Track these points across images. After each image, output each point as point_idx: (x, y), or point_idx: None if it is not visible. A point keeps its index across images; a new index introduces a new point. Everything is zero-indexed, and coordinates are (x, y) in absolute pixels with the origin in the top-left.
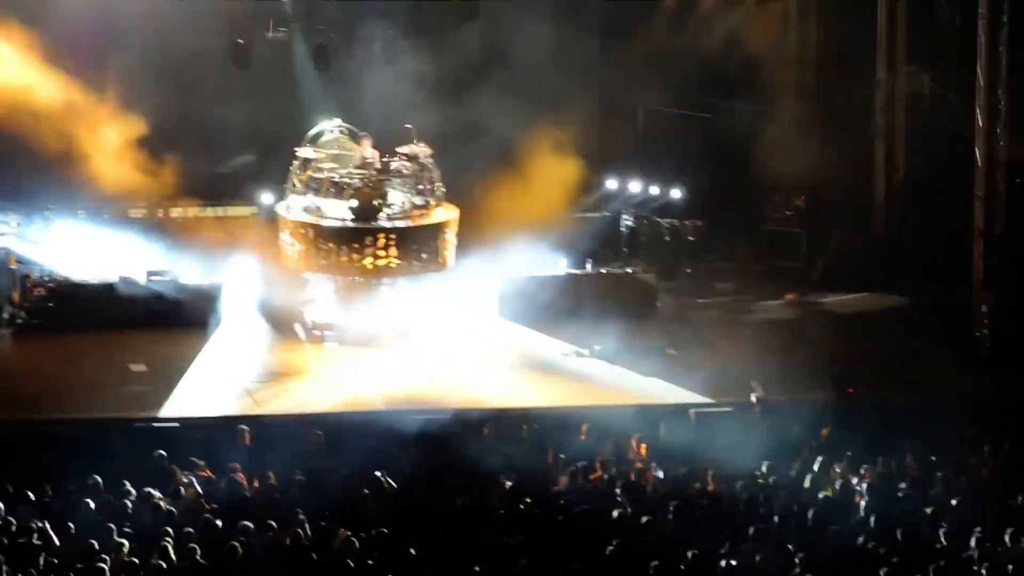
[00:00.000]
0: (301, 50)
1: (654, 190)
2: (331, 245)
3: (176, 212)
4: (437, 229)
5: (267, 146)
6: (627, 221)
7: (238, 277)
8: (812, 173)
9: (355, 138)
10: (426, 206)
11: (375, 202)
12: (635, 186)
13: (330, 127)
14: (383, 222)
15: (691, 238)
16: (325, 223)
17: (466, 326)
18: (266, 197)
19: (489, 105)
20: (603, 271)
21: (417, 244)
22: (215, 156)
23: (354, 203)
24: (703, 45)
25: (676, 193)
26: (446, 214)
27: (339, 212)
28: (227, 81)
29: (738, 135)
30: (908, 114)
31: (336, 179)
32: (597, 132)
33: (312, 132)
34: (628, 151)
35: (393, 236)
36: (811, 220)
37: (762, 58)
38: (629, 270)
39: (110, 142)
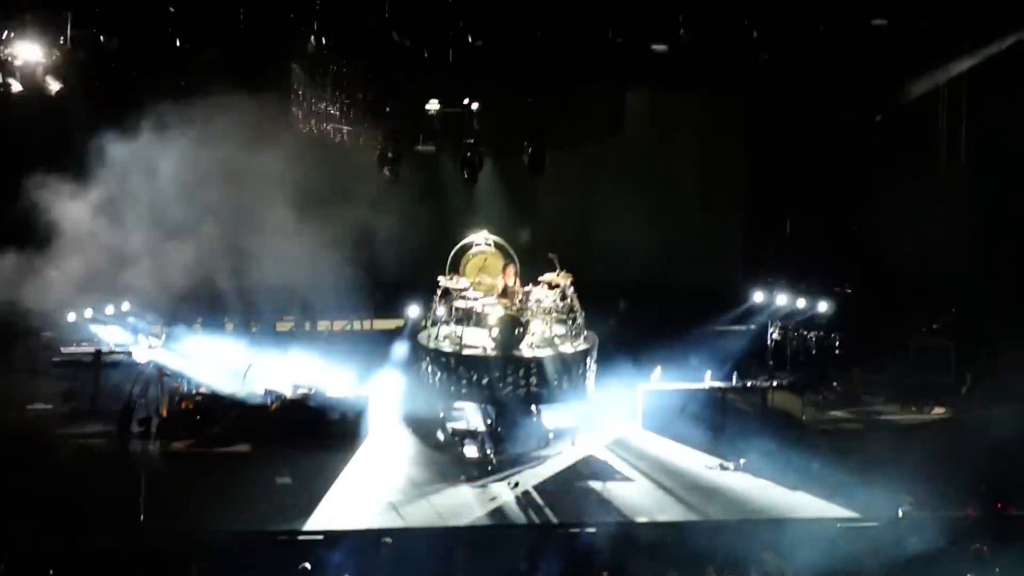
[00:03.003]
0: (448, 163)
1: (801, 302)
2: (472, 374)
3: (323, 325)
4: (579, 358)
5: (416, 258)
6: (773, 333)
7: (384, 390)
8: (962, 284)
9: (503, 252)
10: (567, 335)
11: (517, 332)
12: (782, 298)
13: (479, 240)
14: (524, 352)
15: (838, 351)
16: (466, 352)
17: (610, 438)
18: (412, 309)
19: (631, 219)
20: (749, 384)
21: (558, 373)
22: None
23: (495, 332)
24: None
25: (823, 305)
26: (587, 343)
27: (481, 341)
28: (377, 193)
29: (887, 246)
30: None
31: (478, 309)
32: (743, 244)
33: (461, 244)
34: (775, 263)
35: (534, 365)
36: (960, 333)
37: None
38: (775, 383)
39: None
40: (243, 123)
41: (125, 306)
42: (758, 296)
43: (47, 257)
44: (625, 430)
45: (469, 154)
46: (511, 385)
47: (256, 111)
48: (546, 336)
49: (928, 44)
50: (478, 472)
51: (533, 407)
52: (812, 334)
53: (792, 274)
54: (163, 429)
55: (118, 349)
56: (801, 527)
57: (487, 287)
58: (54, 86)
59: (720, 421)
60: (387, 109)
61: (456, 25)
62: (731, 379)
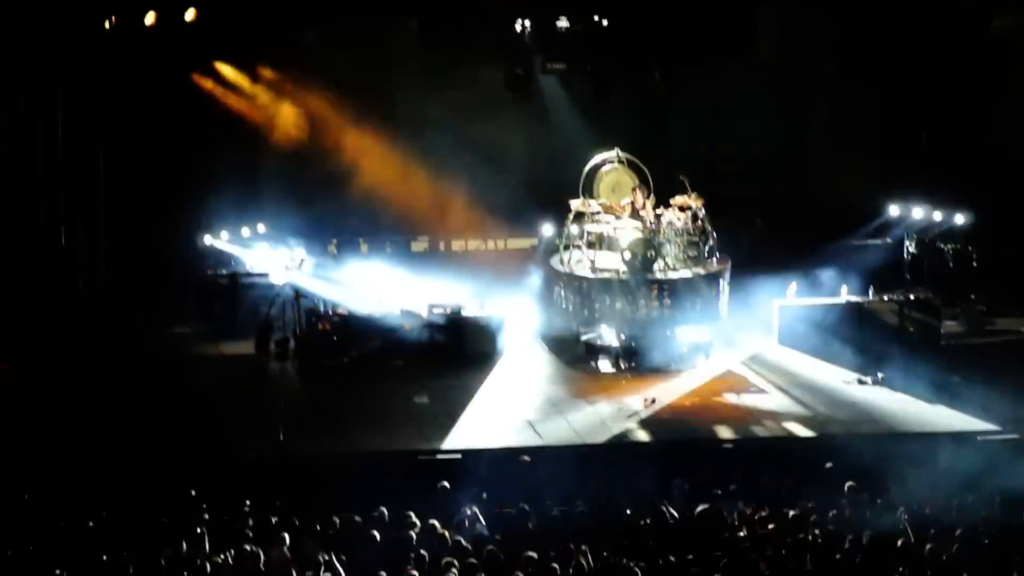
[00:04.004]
0: (580, 81)
1: (938, 215)
2: (605, 298)
3: (458, 244)
4: (712, 280)
5: (545, 177)
6: (910, 247)
7: (519, 309)
8: None
9: (635, 169)
10: (699, 257)
11: (649, 254)
12: (918, 212)
13: (611, 156)
14: (657, 274)
15: (975, 264)
16: (599, 276)
17: (746, 352)
18: (546, 228)
19: (767, 134)
20: (885, 298)
21: (691, 295)
22: (496, 188)
23: (628, 256)
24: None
25: (960, 218)
26: (719, 264)
27: (613, 264)
28: (507, 113)
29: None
30: None
31: (610, 232)
32: (879, 158)
33: (592, 163)
34: (910, 176)
35: (667, 288)
36: None
37: None
38: (912, 297)
39: (396, 174)
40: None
41: (261, 228)
42: (894, 209)
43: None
44: (761, 346)
45: (600, 71)
46: (645, 308)
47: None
48: (679, 258)
49: None
50: (613, 388)
51: (667, 329)
52: (949, 247)
53: (928, 186)
54: (301, 349)
55: (254, 271)
56: (940, 442)
57: (618, 208)
58: None
59: (858, 335)
60: (517, 27)
61: None
62: (868, 293)
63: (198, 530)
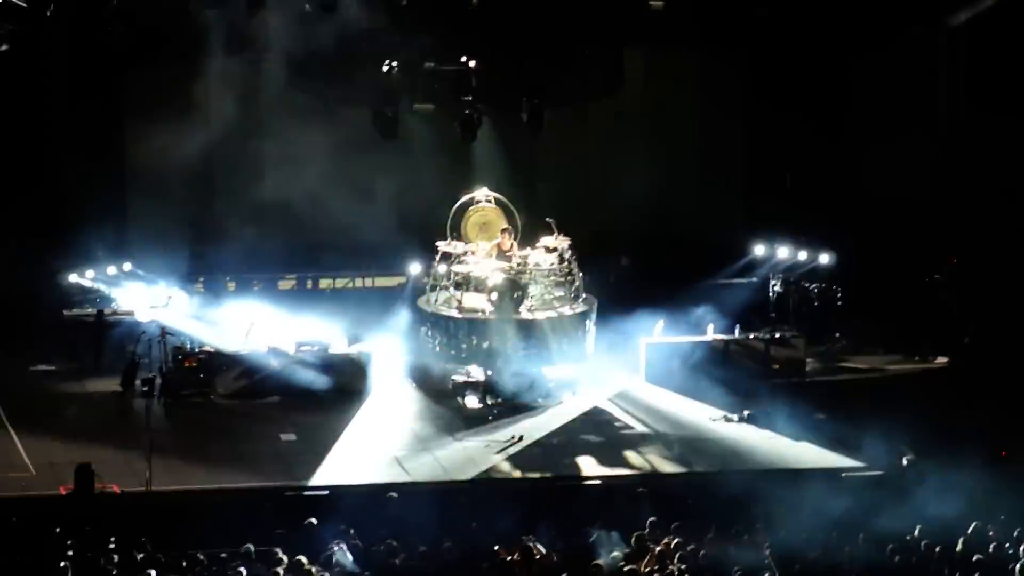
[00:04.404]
0: (447, 122)
1: (803, 255)
2: (472, 338)
3: (325, 282)
4: (578, 320)
5: (413, 217)
6: (775, 286)
7: (387, 346)
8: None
9: (503, 208)
10: (565, 297)
11: (516, 295)
12: (783, 251)
13: (479, 196)
14: (524, 314)
15: (840, 302)
16: (465, 316)
17: (612, 390)
18: (414, 267)
19: (634, 173)
20: (751, 336)
21: (558, 335)
22: (365, 226)
23: (494, 296)
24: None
25: (825, 258)
26: (585, 305)
27: (480, 304)
28: (374, 153)
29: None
30: None
31: (477, 273)
32: (743, 197)
33: (460, 201)
34: (775, 216)
35: (533, 328)
36: (962, 283)
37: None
38: (777, 335)
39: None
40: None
41: (127, 266)
42: (759, 249)
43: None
44: (628, 383)
45: (468, 112)
46: (511, 347)
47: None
48: (545, 299)
49: None
50: (479, 425)
51: (533, 367)
52: (814, 286)
53: (793, 226)
54: (166, 387)
55: (121, 309)
56: (805, 478)
57: (485, 249)
58: None
59: (722, 373)
60: (385, 68)
61: None
62: (733, 331)
63: (61, 565)
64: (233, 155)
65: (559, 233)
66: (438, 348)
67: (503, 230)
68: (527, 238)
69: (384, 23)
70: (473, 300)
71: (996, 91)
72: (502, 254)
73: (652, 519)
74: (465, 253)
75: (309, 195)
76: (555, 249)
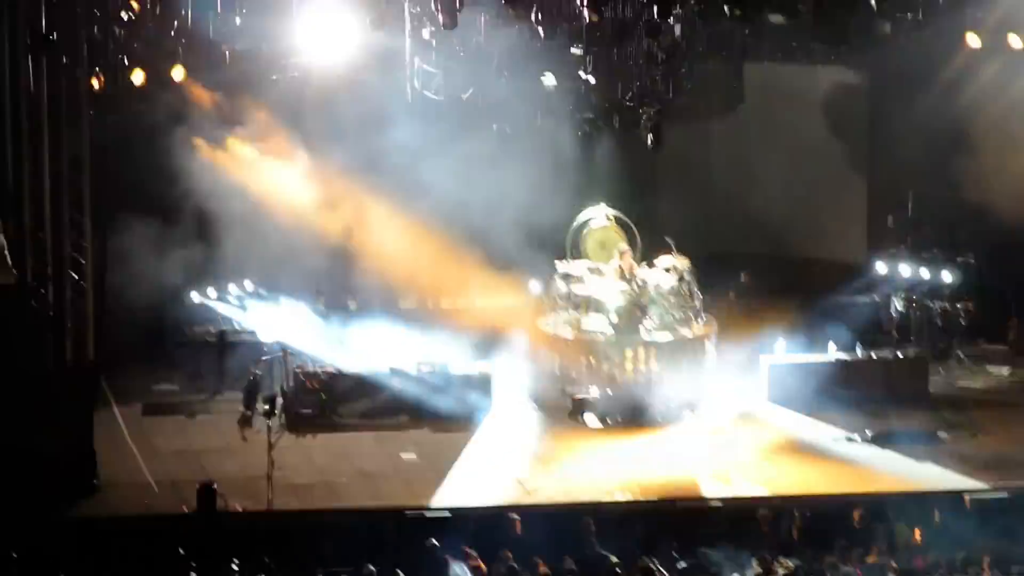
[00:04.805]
0: (568, 137)
1: (924, 273)
2: (591, 359)
3: (446, 302)
4: (697, 342)
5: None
6: (897, 304)
7: (507, 365)
8: None
9: (622, 226)
10: (686, 319)
11: (635, 316)
12: (905, 269)
13: (598, 214)
14: (644, 336)
15: (962, 320)
16: (585, 338)
17: (735, 410)
18: (534, 285)
19: (756, 190)
20: (873, 355)
21: (677, 357)
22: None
23: (614, 318)
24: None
25: (947, 275)
26: (706, 327)
27: (599, 326)
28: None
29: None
30: None
31: (596, 295)
32: (866, 216)
33: (579, 219)
34: (898, 234)
35: (654, 350)
36: None
37: None
38: (900, 354)
39: (384, 234)
40: None
41: (248, 286)
42: (881, 267)
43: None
44: (751, 403)
45: (587, 128)
46: (631, 370)
47: None
48: (665, 320)
49: None
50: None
51: (653, 388)
52: (936, 304)
53: (916, 244)
54: (288, 407)
55: (242, 329)
56: (930, 500)
57: (606, 264)
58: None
59: (845, 392)
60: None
61: None
62: (856, 350)
63: None
64: None
65: (679, 253)
66: (557, 370)
67: (622, 252)
68: (646, 257)
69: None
70: (593, 321)
71: None
72: (622, 275)
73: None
74: (584, 275)
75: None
76: (675, 269)
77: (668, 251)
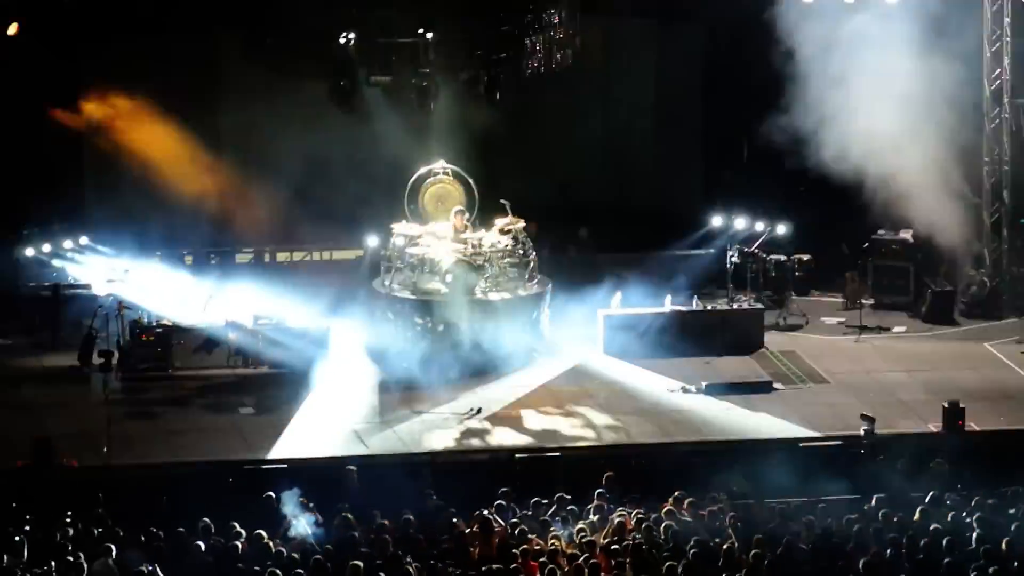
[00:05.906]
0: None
1: (760, 225)
2: (427, 319)
3: (283, 255)
4: (533, 300)
5: (371, 188)
6: (733, 257)
7: (344, 320)
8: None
9: (460, 180)
10: (520, 278)
11: (470, 276)
12: (740, 222)
13: (436, 168)
14: (478, 296)
15: (798, 272)
16: (420, 298)
17: (570, 363)
18: (371, 240)
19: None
20: (709, 307)
21: (512, 316)
22: (322, 198)
23: (449, 278)
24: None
25: (782, 228)
26: (540, 286)
27: (434, 286)
28: (332, 124)
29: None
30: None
31: (432, 255)
32: (701, 168)
33: (417, 173)
34: (733, 187)
35: (489, 309)
36: (919, 253)
37: None
38: (735, 305)
39: (219, 187)
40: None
41: (83, 240)
42: (716, 220)
43: None
44: (587, 355)
45: (425, 83)
46: (466, 328)
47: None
48: (499, 280)
49: None
50: (438, 399)
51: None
52: (772, 256)
53: (750, 197)
54: (124, 361)
55: (77, 283)
56: (763, 448)
57: (441, 228)
58: None
59: (680, 344)
60: (342, 41)
61: None
62: (691, 302)
63: (16, 539)
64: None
65: (514, 215)
66: (394, 328)
67: (457, 211)
68: (485, 212)
69: None
70: (428, 281)
71: None
72: (457, 235)
73: (608, 490)
74: (420, 235)
75: (269, 168)
76: (509, 231)
77: (504, 213)
